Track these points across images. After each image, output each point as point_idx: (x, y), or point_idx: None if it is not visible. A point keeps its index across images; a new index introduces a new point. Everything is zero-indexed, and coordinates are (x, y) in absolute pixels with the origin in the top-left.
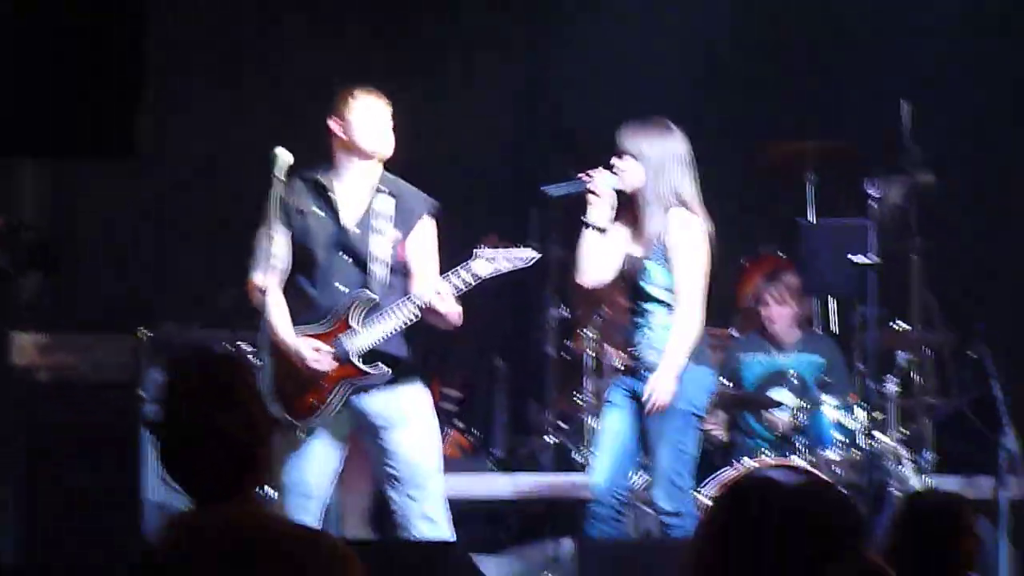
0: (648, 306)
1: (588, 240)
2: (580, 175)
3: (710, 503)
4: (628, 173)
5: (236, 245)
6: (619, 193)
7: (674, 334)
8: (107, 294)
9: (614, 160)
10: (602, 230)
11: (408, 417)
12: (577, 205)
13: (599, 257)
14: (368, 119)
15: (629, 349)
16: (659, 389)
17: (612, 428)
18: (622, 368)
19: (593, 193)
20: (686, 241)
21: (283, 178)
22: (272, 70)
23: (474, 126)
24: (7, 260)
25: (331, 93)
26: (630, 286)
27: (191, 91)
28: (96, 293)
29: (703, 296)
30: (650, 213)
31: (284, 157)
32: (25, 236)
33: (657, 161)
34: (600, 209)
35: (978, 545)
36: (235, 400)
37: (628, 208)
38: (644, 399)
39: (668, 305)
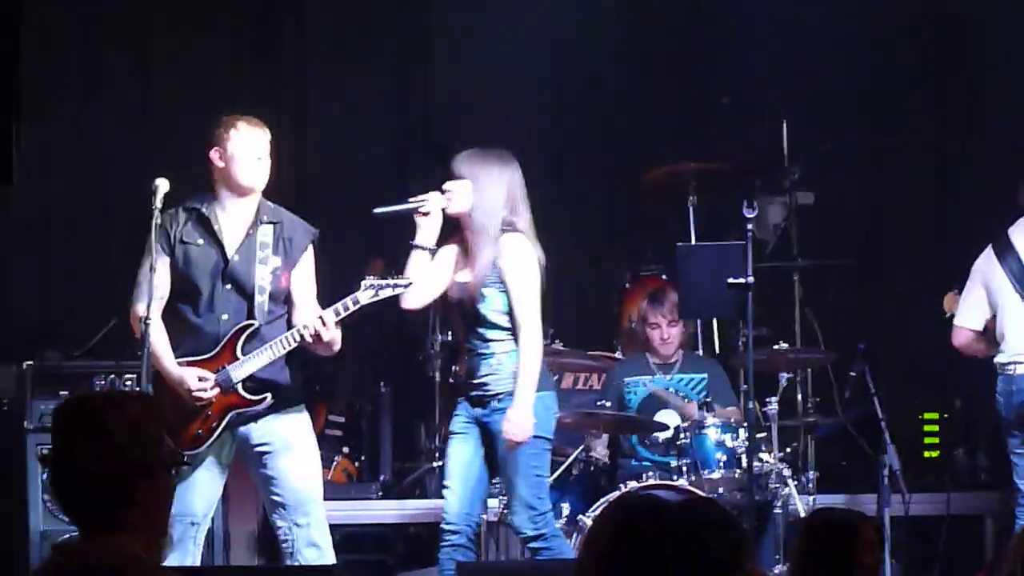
0: (489, 333)
1: (414, 262)
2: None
3: (594, 520)
4: (458, 196)
5: (119, 273)
6: (452, 217)
7: (523, 368)
8: None
9: (447, 183)
10: (429, 252)
11: (292, 443)
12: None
13: (424, 280)
14: (248, 152)
15: (475, 379)
16: (519, 428)
17: (461, 458)
18: (466, 397)
19: (422, 214)
20: (521, 267)
21: (163, 207)
22: (147, 93)
23: (352, 152)
24: None
25: (209, 119)
26: (468, 313)
27: (69, 119)
28: None
29: (539, 321)
30: (482, 239)
31: (164, 187)
32: None
33: (489, 187)
34: (427, 231)
35: (879, 559)
36: (109, 438)
37: (458, 232)
38: (505, 437)
39: (507, 330)
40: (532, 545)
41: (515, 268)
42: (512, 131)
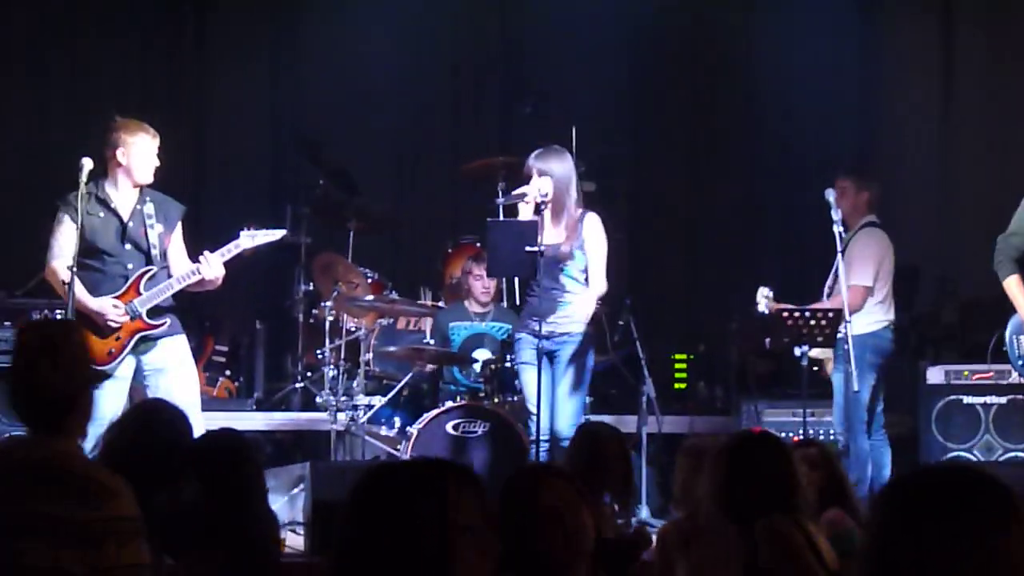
0: (569, 284)
1: None
2: (515, 190)
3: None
4: (546, 187)
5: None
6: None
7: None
8: None
9: (533, 177)
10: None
11: (179, 363)
12: (323, 205)
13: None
14: (142, 155)
15: (550, 319)
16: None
17: (543, 383)
18: (539, 334)
19: (524, 203)
20: (601, 240)
21: (86, 183)
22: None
23: (238, 136)
24: None
25: (109, 116)
26: (556, 269)
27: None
28: None
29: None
30: (568, 215)
31: (89, 165)
32: None
33: (568, 176)
34: (527, 213)
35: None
36: (64, 360)
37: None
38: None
39: (582, 283)
40: (565, 444)
41: (597, 240)
42: (372, 130)
